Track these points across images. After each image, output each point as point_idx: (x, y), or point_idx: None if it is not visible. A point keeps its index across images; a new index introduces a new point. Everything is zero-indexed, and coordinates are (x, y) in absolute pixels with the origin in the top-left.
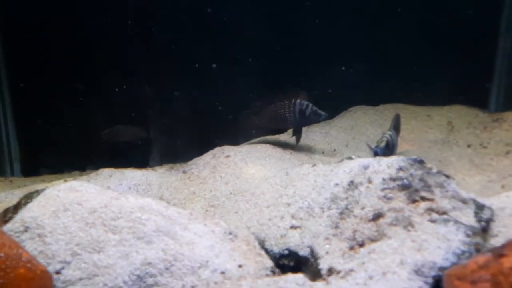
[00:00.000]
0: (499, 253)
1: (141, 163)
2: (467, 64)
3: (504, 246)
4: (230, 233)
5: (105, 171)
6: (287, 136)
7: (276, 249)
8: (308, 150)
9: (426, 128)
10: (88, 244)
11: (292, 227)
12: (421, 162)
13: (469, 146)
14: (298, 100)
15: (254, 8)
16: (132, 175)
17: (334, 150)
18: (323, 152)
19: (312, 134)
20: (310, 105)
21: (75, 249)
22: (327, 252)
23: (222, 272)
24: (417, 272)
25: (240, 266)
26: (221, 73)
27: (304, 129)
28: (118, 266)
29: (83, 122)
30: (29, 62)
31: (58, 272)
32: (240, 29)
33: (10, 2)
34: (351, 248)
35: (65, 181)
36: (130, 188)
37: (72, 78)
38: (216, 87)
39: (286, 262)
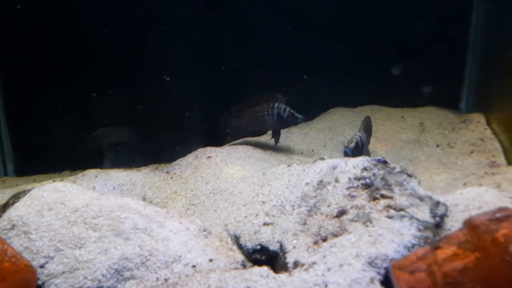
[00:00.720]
0: (436, 245)
1: (129, 163)
2: (440, 67)
3: (441, 239)
4: (204, 230)
5: (91, 172)
6: (267, 138)
7: (249, 245)
8: (287, 150)
9: (399, 129)
10: (70, 241)
11: (265, 223)
12: (384, 162)
13: (438, 146)
14: (276, 104)
15: (235, 11)
16: (117, 175)
17: (312, 150)
18: (301, 153)
19: (292, 135)
20: (288, 108)
21: (58, 245)
22: (294, 247)
23: (193, 266)
24: (371, 263)
25: (211, 260)
26: (207, 76)
27: (284, 130)
28: (97, 261)
29: (76, 123)
30: (22, 62)
31: (42, 266)
32: (221, 34)
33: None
34: (316, 242)
35: (54, 181)
36: (114, 188)
37: (64, 79)
38: (201, 90)
39: (258, 256)
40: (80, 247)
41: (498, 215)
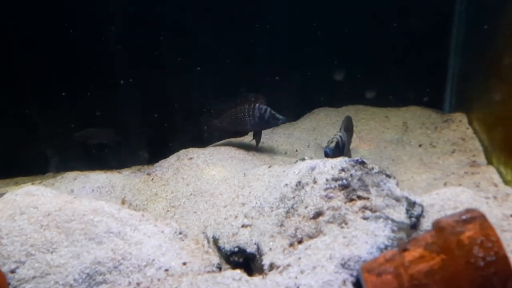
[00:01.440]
0: (403, 247)
1: (111, 165)
2: (423, 67)
3: (409, 241)
4: (180, 233)
5: (71, 174)
6: (250, 138)
7: (227, 247)
8: (270, 151)
9: (383, 129)
10: (42, 245)
11: (244, 225)
12: (362, 163)
13: (420, 145)
14: (258, 105)
15: (215, 10)
16: (96, 177)
17: (296, 150)
18: (285, 153)
19: (275, 136)
20: (269, 109)
21: (29, 250)
22: (270, 249)
23: (166, 270)
24: (344, 265)
25: (185, 263)
26: (189, 78)
27: (268, 130)
28: (69, 265)
29: (58, 124)
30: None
31: (13, 271)
32: (205, 34)
33: None
34: (291, 244)
35: (33, 184)
36: (93, 190)
37: (40, 78)
38: (185, 91)
39: (236, 258)
40: (52, 252)
41: (464, 216)
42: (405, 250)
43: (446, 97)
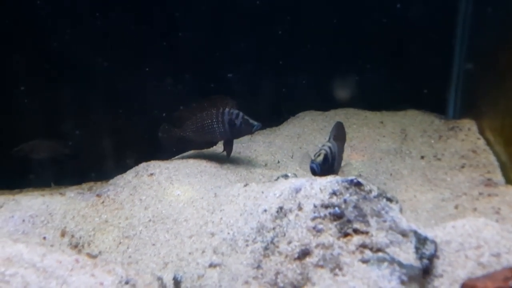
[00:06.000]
0: None
1: (59, 182)
2: (423, 66)
3: None
4: (126, 283)
5: None
6: (220, 150)
7: None
8: (248, 163)
9: (378, 136)
10: None
11: (212, 265)
12: (358, 184)
13: (422, 157)
14: (227, 109)
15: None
16: (29, 204)
17: (278, 162)
18: (265, 165)
19: (254, 144)
20: (241, 114)
21: None
22: None
23: None
24: None
25: None
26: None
27: (245, 138)
28: None
29: None
30: None
31: None
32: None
33: None
34: None
35: None
36: (24, 221)
37: None
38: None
39: None
40: None
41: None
42: None
43: (450, 99)
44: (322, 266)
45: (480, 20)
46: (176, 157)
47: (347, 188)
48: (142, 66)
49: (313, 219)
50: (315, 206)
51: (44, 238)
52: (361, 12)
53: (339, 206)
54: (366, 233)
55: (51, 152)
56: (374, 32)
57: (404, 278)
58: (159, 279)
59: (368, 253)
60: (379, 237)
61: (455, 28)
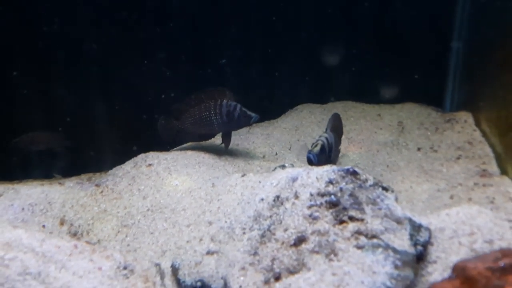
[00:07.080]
0: None
1: (59, 173)
2: (421, 59)
3: None
4: (124, 268)
5: None
6: (218, 141)
7: (188, 280)
8: (246, 154)
9: (375, 129)
10: None
11: (209, 252)
12: (354, 173)
13: (419, 149)
14: (225, 101)
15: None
16: (29, 192)
17: (276, 154)
18: (263, 157)
19: (252, 136)
20: (239, 106)
21: None
22: (240, 287)
23: None
24: None
25: None
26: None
27: (244, 130)
28: None
29: None
30: None
31: None
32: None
33: None
34: (266, 282)
35: None
36: (23, 209)
37: None
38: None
39: None
40: None
41: (502, 263)
42: None
43: (447, 92)
44: (317, 252)
45: (478, 13)
46: (175, 148)
47: (343, 177)
48: (139, 56)
49: (309, 207)
50: (311, 195)
51: (43, 226)
52: (358, 4)
53: (335, 194)
54: (362, 220)
55: (50, 143)
56: (371, 24)
57: (398, 263)
58: (157, 265)
59: (363, 240)
60: (374, 224)
61: (453, 21)
